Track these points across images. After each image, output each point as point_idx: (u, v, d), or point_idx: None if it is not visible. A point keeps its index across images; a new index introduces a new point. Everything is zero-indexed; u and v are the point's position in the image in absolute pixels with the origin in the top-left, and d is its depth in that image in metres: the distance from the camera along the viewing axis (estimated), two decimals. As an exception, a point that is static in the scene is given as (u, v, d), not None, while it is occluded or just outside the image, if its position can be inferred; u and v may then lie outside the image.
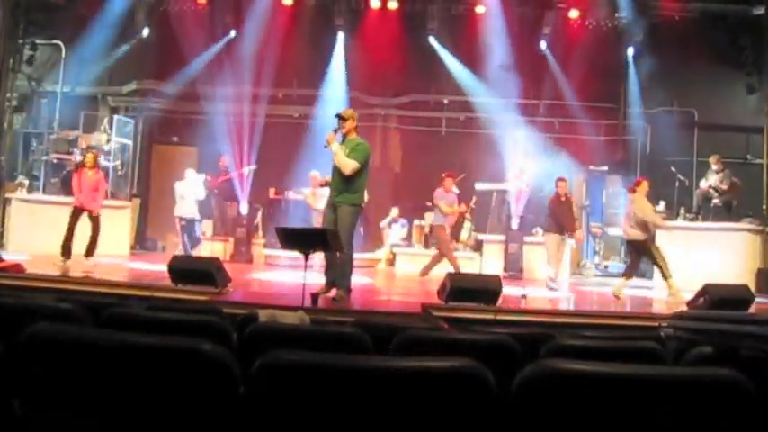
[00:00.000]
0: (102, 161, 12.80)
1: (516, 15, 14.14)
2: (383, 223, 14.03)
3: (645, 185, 9.07)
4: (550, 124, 14.75)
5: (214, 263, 7.15)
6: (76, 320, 2.85)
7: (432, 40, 14.86)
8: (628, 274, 9.17)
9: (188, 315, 3.29)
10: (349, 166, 6.94)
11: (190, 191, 11.74)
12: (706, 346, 2.73)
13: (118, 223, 12.41)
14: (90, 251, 9.66)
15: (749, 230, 11.33)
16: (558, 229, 10.29)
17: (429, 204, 12.89)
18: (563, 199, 10.33)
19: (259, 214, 13.74)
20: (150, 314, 3.28)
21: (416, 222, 14.08)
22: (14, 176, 12.95)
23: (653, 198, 10.82)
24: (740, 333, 2.54)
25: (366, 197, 7.27)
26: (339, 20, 14.78)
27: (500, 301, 6.80)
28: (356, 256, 7.64)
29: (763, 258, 11.24)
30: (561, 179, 10.51)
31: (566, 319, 6.66)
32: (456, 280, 6.93)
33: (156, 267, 9.29)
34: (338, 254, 6.87)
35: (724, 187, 11.57)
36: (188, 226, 11.70)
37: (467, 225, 13.21)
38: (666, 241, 9.96)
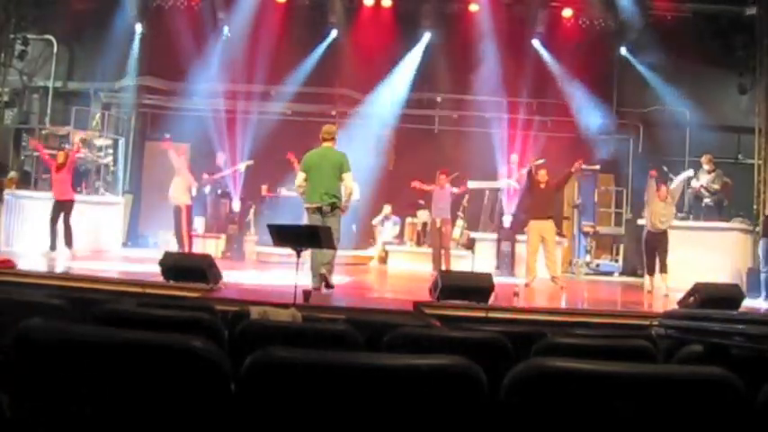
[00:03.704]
0: (94, 157, 12.78)
1: (510, 14, 14.16)
2: (375, 221, 14.04)
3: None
4: (543, 123, 14.76)
5: (206, 259, 7.14)
6: (67, 317, 2.84)
7: (425, 38, 14.85)
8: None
9: (179, 312, 3.29)
10: None
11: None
12: (696, 345, 2.74)
13: (110, 219, 12.36)
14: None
15: (740, 230, 11.39)
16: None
17: (421, 203, 12.95)
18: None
19: (251, 211, 13.71)
20: (141, 311, 3.27)
21: (409, 220, 14.08)
22: (5, 172, 12.87)
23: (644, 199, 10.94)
24: (730, 332, 2.56)
25: (322, 195, 7.50)
26: (332, 17, 14.76)
27: (492, 299, 6.81)
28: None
29: (753, 258, 11.29)
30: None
31: (557, 317, 6.67)
32: (448, 278, 6.94)
33: (147, 264, 9.26)
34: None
35: (716, 187, 11.61)
36: None
37: (459, 223, 13.22)
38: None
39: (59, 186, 10.45)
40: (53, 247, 10.19)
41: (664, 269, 9.80)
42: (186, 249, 11.12)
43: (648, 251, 10.00)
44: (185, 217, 11.38)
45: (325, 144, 7.75)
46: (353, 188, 7.95)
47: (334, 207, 7.49)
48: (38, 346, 1.72)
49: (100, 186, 12.94)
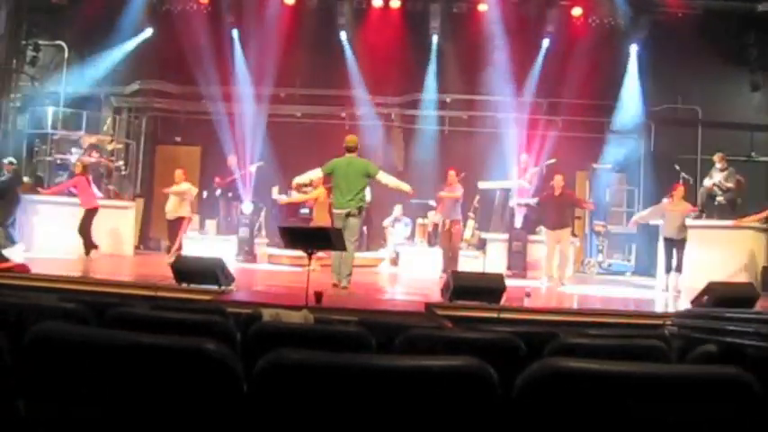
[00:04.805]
0: (106, 161, 12.88)
1: (519, 13, 14.10)
2: (386, 222, 14.01)
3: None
4: (554, 122, 14.70)
5: (218, 262, 7.16)
6: (80, 320, 2.85)
7: (434, 39, 14.85)
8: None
9: (192, 315, 3.30)
10: None
11: None
12: (710, 345, 2.72)
13: (122, 223, 12.43)
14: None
15: (754, 228, 11.28)
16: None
17: (432, 203, 12.91)
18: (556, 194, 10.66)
19: (262, 213, 13.73)
20: (154, 314, 3.28)
21: (419, 221, 14.06)
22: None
23: (658, 197, 10.90)
24: (745, 331, 2.54)
25: (349, 201, 8.10)
26: (341, 19, 14.79)
27: (503, 299, 6.79)
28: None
29: (767, 256, 11.19)
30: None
31: (570, 317, 6.65)
32: (459, 279, 6.92)
33: (160, 267, 9.30)
34: None
35: (728, 185, 11.52)
36: None
37: (470, 224, 13.18)
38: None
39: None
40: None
41: (679, 268, 9.85)
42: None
43: (667, 249, 10.04)
44: (183, 227, 11.44)
45: (350, 154, 8.36)
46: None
47: (360, 210, 8.23)
48: (53, 350, 1.73)
49: (111, 190, 13.01)
